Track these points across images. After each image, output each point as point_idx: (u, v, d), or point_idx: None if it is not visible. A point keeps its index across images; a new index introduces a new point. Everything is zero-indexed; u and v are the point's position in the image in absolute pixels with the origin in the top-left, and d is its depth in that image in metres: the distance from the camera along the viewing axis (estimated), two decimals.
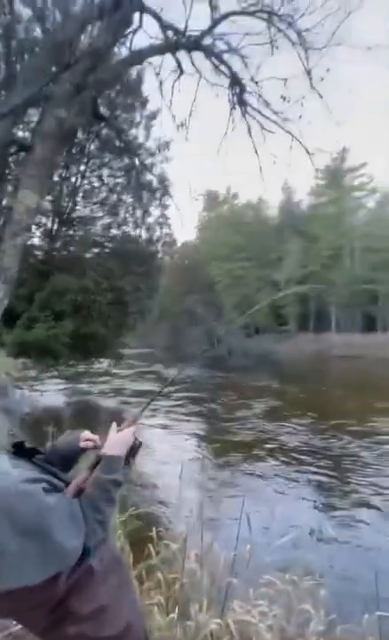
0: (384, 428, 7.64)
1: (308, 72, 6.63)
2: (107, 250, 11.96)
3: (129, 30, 4.73)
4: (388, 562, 2.90)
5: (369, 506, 4.43)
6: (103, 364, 13.11)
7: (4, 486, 0.79)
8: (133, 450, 1.02)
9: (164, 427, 8.60)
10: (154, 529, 1.90)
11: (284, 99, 7.13)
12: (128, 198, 11.87)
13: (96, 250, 12.65)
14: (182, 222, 12.80)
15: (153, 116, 11.06)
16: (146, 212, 12.04)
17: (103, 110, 6.02)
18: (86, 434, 1.11)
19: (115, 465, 0.95)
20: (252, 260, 38.85)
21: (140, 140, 11.18)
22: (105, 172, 12.18)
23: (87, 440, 1.09)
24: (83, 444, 1.08)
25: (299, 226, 40.06)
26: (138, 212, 11.99)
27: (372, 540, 3.62)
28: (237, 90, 7.52)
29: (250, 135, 7.71)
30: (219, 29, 5.88)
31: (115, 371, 15.27)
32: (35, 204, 3.52)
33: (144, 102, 10.84)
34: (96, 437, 1.09)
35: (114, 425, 1.04)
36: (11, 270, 3.52)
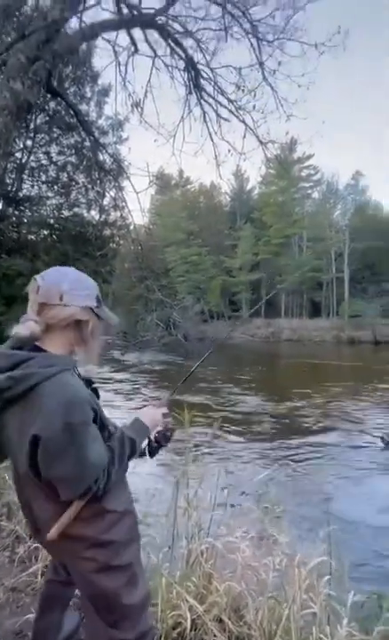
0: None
1: (261, 64, 6.80)
2: (59, 232, 11.42)
3: (87, 4, 4.54)
4: None
5: None
6: None
7: (76, 390, 0.90)
8: (167, 436, 1.20)
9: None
10: None
11: (239, 87, 7.26)
12: (80, 178, 11.39)
13: (46, 232, 12.03)
14: (140, 206, 12.48)
15: (105, 93, 10.62)
16: (99, 194, 11.63)
17: (54, 83, 5.72)
18: None
19: (138, 429, 1.08)
20: (207, 247, 39.19)
21: (93, 117, 10.69)
22: (53, 148, 11.51)
23: None
24: None
25: (251, 213, 41.02)
26: (92, 194, 11.57)
27: None
28: (192, 74, 7.50)
29: (205, 121, 7.79)
30: (175, 11, 5.81)
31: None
32: None
33: (95, 76, 10.36)
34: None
35: (150, 404, 1.24)
36: None
